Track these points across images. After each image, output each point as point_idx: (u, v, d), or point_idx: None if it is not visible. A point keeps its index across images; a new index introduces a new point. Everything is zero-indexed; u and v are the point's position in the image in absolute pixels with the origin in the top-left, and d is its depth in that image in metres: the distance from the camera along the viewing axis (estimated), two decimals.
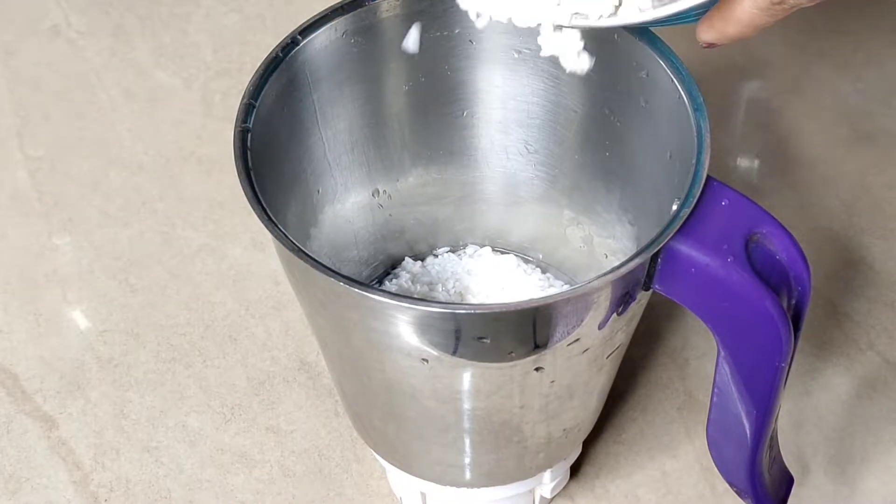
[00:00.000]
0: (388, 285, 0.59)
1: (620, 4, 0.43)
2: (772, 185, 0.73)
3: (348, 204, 0.56)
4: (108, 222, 0.73)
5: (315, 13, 0.50)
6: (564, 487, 0.60)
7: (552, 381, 0.47)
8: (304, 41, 0.49)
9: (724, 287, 0.43)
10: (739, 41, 0.45)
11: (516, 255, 0.60)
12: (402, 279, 0.59)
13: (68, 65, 0.82)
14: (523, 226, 0.60)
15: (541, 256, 0.61)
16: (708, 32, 0.45)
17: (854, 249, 0.70)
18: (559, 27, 0.45)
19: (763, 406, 0.46)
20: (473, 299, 0.58)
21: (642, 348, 0.66)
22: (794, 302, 0.45)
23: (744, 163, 0.75)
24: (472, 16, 0.47)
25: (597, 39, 0.49)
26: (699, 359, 0.65)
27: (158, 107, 0.79)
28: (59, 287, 0.70)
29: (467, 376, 0.45)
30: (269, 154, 0.48)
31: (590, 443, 0.62)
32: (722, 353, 0.45)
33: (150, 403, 0.65)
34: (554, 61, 0.52)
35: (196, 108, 0.78)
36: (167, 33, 0.83)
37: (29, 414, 0.64)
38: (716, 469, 0.52)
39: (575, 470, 0.61)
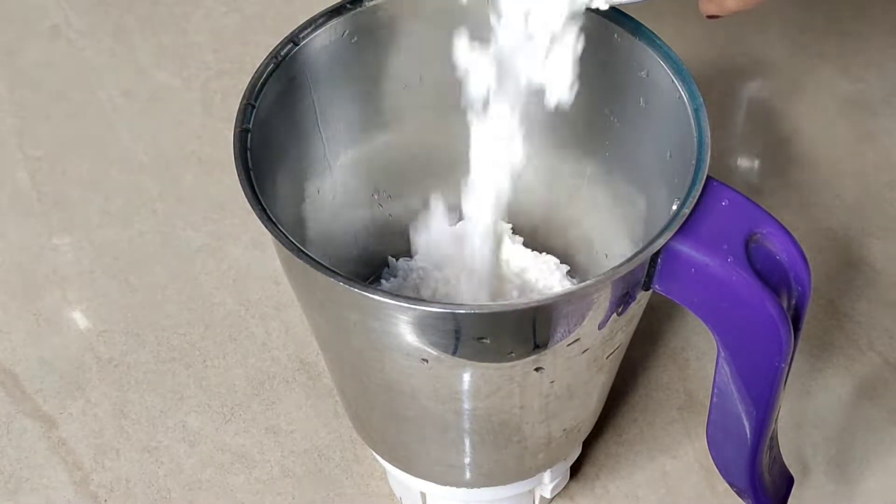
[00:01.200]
0: (387, 285, 0.59)
1: None
2: (772, 185, 0.73)
3: (348, 204, 0.56)
4: (107, 222, 0.73)
5: (315, 13, 0.50)
6: (564, 487, 0.60)
7: (552, 382, 0.47)
8: (304, 41, 0.49)
9: (724, 287, 0.43)
10: (741, 13, 0.45)
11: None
12: (400, 278, 0.59)
13: (68, 65, 0.82)
14: (523, 226, 0.60)
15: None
16: (709, 5, 0.45)
17: (854, 250, 0.70)
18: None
19: (763, 406, 0.46)
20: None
21: (642, 349, 0.66)
22: (794, 302, 0.45)
23: (744, 163, 0.75)
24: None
25: (596, 39, 0.49)
26: (699, 359, 0.65)
27: (158, 107, 0.79)
28: (58, 287, 0.70)
29: (467, 376, 0.45)
30: (268, 154, 0.48)
31: (590, 443, 0.62)
32: (722, 354, 0.45)
33: (149, 403, 0.65)
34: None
35: (196, 109, 0.78)
36: (167, 33, 0.83)
37: (29, 414, 0.64)
38: (716, 469, 0.52)
39: (575, 470, 0.61)
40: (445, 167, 0.58)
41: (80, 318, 0.68)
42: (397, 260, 0.60)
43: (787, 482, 0.53)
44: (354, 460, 0.62)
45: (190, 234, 0.72)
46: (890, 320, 0.66)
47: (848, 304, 0.67)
